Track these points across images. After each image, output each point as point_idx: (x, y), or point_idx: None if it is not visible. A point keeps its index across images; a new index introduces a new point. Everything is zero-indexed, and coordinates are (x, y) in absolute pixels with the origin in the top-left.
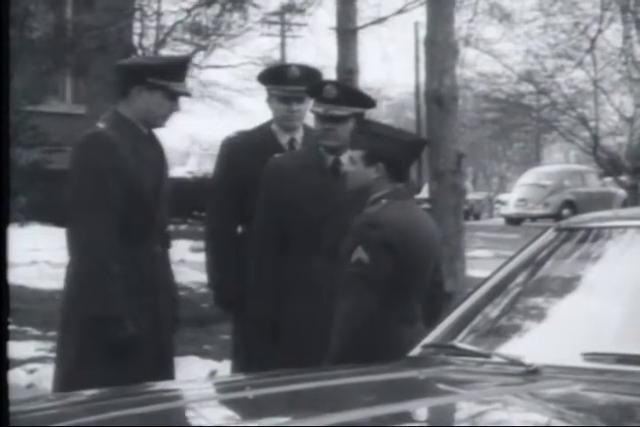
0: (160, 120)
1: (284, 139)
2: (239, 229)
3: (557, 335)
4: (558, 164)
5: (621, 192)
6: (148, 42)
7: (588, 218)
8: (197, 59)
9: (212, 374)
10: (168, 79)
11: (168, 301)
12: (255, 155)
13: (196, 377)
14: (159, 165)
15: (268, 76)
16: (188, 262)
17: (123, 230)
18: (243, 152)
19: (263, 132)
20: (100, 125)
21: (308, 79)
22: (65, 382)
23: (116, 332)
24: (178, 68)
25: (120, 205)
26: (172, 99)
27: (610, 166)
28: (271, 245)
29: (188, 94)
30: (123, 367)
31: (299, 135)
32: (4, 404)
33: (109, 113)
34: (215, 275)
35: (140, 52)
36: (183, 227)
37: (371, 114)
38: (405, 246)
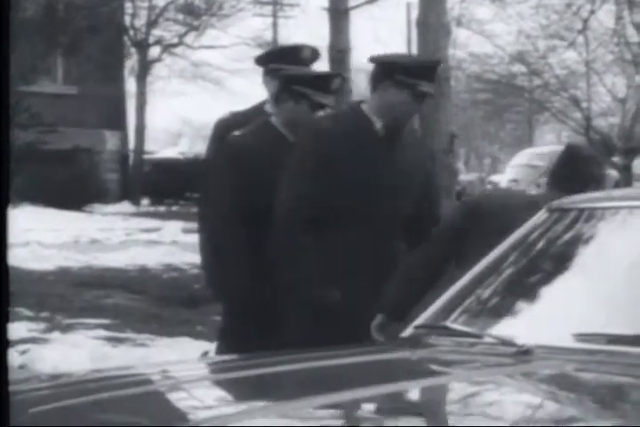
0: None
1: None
2: None
3: (549, 316)
4: (550, 145)
5: (614, 173)
6: (140, 22)
7: (579, 199)
8: (189, 39)
9: (205, 354)
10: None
11: None
12: (348, 140)
13: (189, 358)
14: None
15: (280, 56)
16: (180, 243)
17: None
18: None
19: (257, 113)
20: None
21: (315, 60)
22: None
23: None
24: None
25: None
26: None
27: (602, 147)
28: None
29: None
30: None
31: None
32: (4, 404)
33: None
34: (208, 257)
35: (131, 32)
36: (175, 208)
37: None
38: None
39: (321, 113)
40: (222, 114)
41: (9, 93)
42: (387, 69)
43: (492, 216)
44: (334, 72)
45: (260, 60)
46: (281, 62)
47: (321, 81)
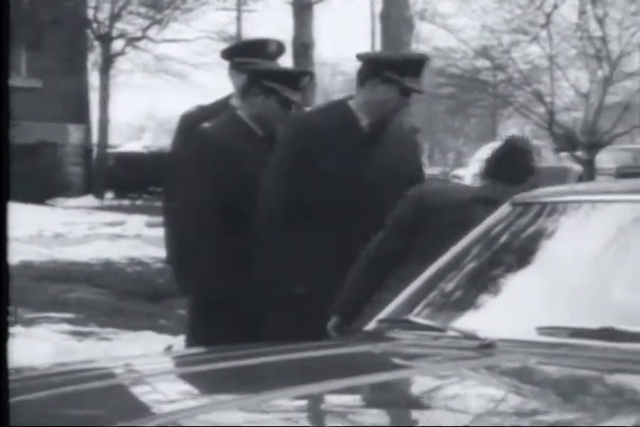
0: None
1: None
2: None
3: (512, 309)
4: None
5: (577, 167)
6: (103, 15)
7: (543, 193)
8: (152, 33)
9: (168, 348)
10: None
11: None
12: (332, 136)
13: (153, 352)
14: None
15: (246, 50)
16: (144, 237)
17: None
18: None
19: (223, 107)
20: None
21: (281, 55)
22: None
23: None
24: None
25: None
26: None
27: (565, 142)
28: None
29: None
30: None
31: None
32: (3, 404)
33: None
34: (175, 251)
35: (94, 25)
36: (139, 202)
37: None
38: None
39: (292, 110)
40: (188, 107)
41: (8, 92)
42: (374, 66)
43: (436, 211)
44: (304, 69)
45: (226, 54)
46: (246, 56)
47: (291, 77)
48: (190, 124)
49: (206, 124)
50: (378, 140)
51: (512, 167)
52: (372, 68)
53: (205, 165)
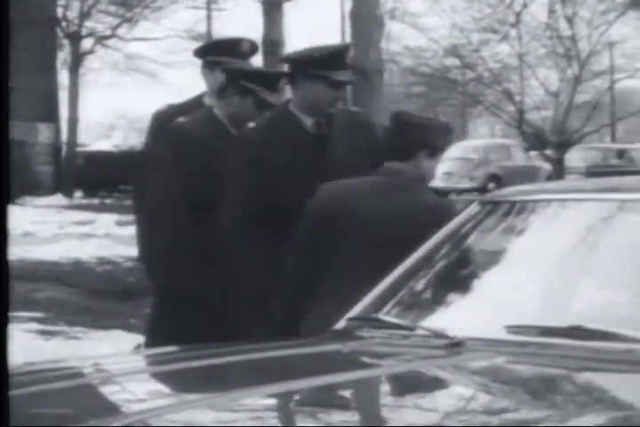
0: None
1: (308, 121)
2: None
3: (481, 308)
4: (484, 138)
5: (546, 166)
6: (73, 14)
7: (512, 191)
8: (122, 31)
9: (138, 347)
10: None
11: None
12: (279, 139)
13: (122, 351)
14: None
15: (219, 48)
16: (113, 236)
17: None
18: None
19: (196, 106)
20: None
21: (254, 54)
22: None
23: None
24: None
25: None
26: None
27: (535, 140)
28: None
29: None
30: None
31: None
32: (4, 404)
33: None
34: (149, 248)
35: (64, 24)
36: (109, 200)
37: None
38: None
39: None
40: (160, 106)
41: (8, 91)
42: (298, 65)
43: (342, 217)
44: (283, 71)
45: (199, 52)
46: (219, 55)
47: (268, 78)
48: (162, 123)
49: (181, 119)
50: (326, 138)
51: (398, 142)
52: (298, 68)
53: (180, 161)
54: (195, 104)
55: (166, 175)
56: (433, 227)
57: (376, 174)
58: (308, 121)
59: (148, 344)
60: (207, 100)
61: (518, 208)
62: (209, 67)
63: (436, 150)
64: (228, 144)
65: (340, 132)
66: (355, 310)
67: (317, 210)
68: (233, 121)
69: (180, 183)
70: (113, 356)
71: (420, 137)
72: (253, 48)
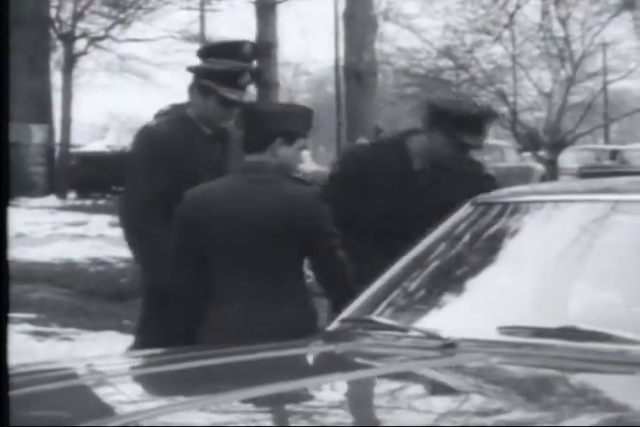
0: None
1: (207, 130)
2: None
3: (474, 309)
4: None
5: (540, 167)
6: (66, 15)
7: (504, 193)
8: (115, 32)
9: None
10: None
11: None
12: (182, 144)
13: (116, 352)
14: None
15: (221, 51)
16: (106, 237)
17: None
18: (170, 142)
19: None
20: None
21: (257, 57)
22: None
23: None
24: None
25: None
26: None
27: (528, 141)
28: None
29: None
30: None
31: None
32: (4, 404)
33: None
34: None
35: (57, 25)
36: (102, 201)
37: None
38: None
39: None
40: (161, 107)
41: (8, 90)
42: (195, 75)
43: (205, 222)
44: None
45: (201, 54)
46: (221, 57)
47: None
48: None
49: (152, 122)
50: (221, 138)
51: (251, 133)
52: (194, 78)
53: (149, 160)
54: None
55: (138, 176)
56: (303, 215)
57: (237, 170)
58: (207, 130)
59: (137, 345)
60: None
61: (510, 209)
62: (203, 91)
63: (293, 137)
64: (201, 144)
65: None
66: (347, 311)
67: (183, 218)
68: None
69: (153, 184)
70: (106, 357)
71: (273, 125)
72: (255, 50)
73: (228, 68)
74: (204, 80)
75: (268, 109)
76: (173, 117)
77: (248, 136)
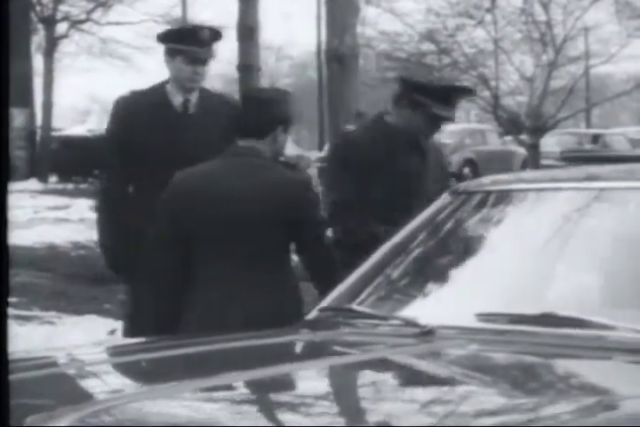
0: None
1: (177, 100)
2: (130, 189)
3: (453, 296)
4: (459, 123)
5: (521, 151)
6: None
7: (486, 181)
8: (97, 15)
9: (112, 332)
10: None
11: None
12: (145, 114)
13: (96, 336)
14: None
15: (178, 36)
16: (88, 221)
17: None
18: (134, 112)
19: (157, 92)
20: None
21: (215, 41)
22: None
23: None
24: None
25: None
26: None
27: (510, 125)
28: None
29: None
30: None
31: (194, 96)
32: (3, 404)
33: None
34: (105, 236)
35: (38, 8)
36: (83, 185)
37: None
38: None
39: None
40: (124, 92)
41: (8, 77)
42: (162, 42)
43: (196, 205)
44: (458, 85)
45: (160, 39)
46: (179, 43)
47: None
48: (123, 109)
49: (127, 93)
50: (191, 116)
51: (256, 120)
52: (166, 45)
53: (117, 128)
54: (158, 90)
55: (109, 145)
56: (293, 202)
57: (228, 154)
58: (177, 100)
59: (127, 331)
60: (169, 88)
61: (492, 198)
62: (169, 54)
63: (290, 124)
64: (170, 118)
65: (207, 112)
66: (327, 300)
67: (172, 202)
68: (408, 132)
69: (119, 151)
70: (87, 345)
71: (277, 113)
72: (214, 36)
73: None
74: (170, 44)
75: (272, 96)
76: (147, 90)
77: (247, 122)
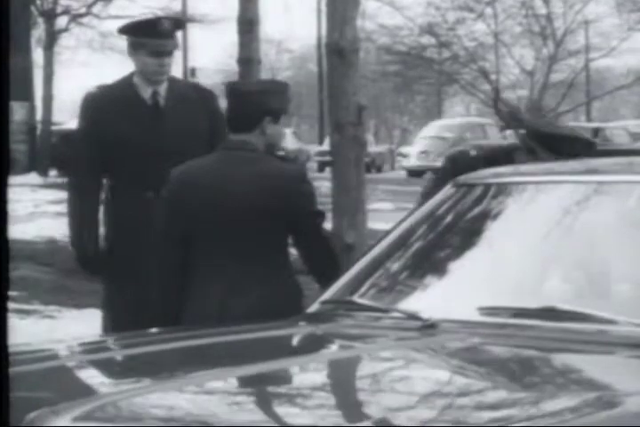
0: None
1: (146, 92)
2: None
3: (455, 290)
4: (459, 116)
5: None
6: None
7: (486, 174)
8: (97, 9)
9: None
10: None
11: None
12: (116, 109)
13: (97, 330)
14: None
15: (138, 29)
16: None
17: None
18: (104, 106)
19: (125, 86)
20: None
21: (177, 31)
22: None
23: None
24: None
25: None
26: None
27: (510, 119)
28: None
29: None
30: None
31: (162, 88)
32: (3, 404)
33: None
34: (74, 232)
35: (38, 1)
36: None
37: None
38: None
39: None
40: (90, 88)
41: (8, 71)
42: (127, 35)
43: (193, 200)
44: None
45: (121, 32)
46: (140, 36)
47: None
48: (92, 104)
49: (96, 87)
50: (163, 108)
51: (238, 113)
52: (128, 38)
53: (86, 122)
54: (125, 84)
55: (79, 139)
56: (288, 194)
57: (222, 148)
58: (146, 92)
59: (106, 321)
60: (136, 80)
61: (493, 191)
62: (133, 47)
63: (279, 114)
64: (140, 107)
65: (178, 103)
66: (328, 293)
67: (170, 198)
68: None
69: (90, 147)
70: (88, 337)
71: (260, 104)
72: (176, 26)
73: (147, 18)
74: (131, 37)
75: (254, 88)
76: (116, 83)
77: (235, 115)
